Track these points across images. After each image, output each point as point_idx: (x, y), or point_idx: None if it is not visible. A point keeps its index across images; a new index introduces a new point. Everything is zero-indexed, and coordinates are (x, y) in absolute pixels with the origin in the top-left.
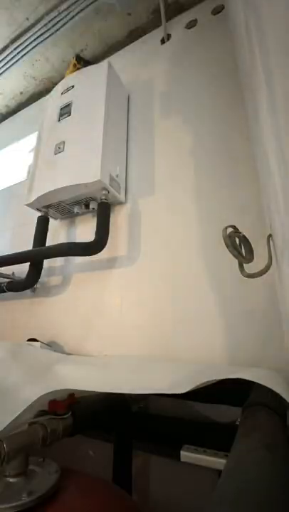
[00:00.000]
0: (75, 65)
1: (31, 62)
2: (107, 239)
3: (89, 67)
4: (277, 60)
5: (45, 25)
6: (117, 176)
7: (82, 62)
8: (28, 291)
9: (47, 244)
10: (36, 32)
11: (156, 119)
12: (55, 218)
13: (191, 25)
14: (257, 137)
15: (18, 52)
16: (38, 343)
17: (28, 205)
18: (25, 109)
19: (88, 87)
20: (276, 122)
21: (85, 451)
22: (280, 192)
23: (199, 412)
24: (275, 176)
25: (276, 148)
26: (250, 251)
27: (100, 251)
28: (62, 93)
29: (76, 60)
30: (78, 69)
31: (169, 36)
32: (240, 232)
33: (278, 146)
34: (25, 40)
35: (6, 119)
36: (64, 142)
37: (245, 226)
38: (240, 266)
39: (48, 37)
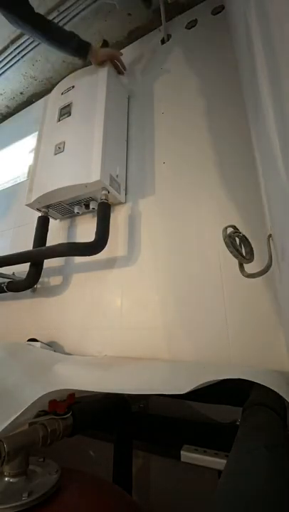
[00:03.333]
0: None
1: (31, 63)
2: (107, 239)
3: (89, 68)
4: (283, 58)
5: None
6: (117, 176)
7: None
8: (28, 292)
9: (47, 245)
10: None
11: (157, 119)
12: (55, 218)
13: (191, 25)
14: (258, 137)
15: (19, 53)
16: (38, 343)
17: (28, 205)
18: (25, 110)
19: (88, 87)
20: (280, 122)
21: (85, 451)
22: (280, 192)
23: (199, 412)
24: (276, 176)
25: (278, 148)
26: (250, 251)
27: (100, 251)
28: (62, 93)
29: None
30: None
31: (169, 36)
32: (240, 232)
33: (281, 145)
34: (26, 41)
35: (7, 119)
36: (64, 142)
37: (246, 226)
38: (241, 266)
39: None
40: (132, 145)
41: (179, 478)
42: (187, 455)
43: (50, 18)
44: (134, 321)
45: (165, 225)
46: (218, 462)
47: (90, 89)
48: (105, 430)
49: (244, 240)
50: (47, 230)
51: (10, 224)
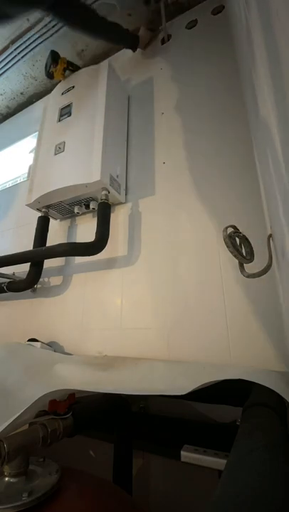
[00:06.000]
0: (64, 69)
1: (32, 63)
2: (107, 239)
3: (89, 68)
4: (283, 57)
5: (45, 25)
6: (117, 176)
7: (73, 66)
8: (28, 292)
9: (47, 245)
10: (37, 32)
11: (157, 119)
12: (56, 218)
13: (192, 25)
14: (259, 137)
15: (19, 53)
16: (38, 343)
17: (28, 205)
18: (25, 110)
19: (88, 87)
20: (281, 122)
21: (86, 451)
22: (281, 192)
23: (199, 412)
24: (276, 176)
25: (278, 148)
26: (250, 251)
27: (100, 251)
28: (62, 93)
29: (67, 64)
30: (66, 72)
31: (169, 36)
32: (240, 232)
33: (281, 145)
34: (26, 41)
35: (7, 119)
36: (64, 142)
37: (246, 226)
38: (241, 266)
39: (48, 37)
40: (132, 145)
41: (179, 478)
42: (187, 455)
43: (50, 18)
44: (134, 321)
45: (165, 225)
46: (218, 462)
47: (90, 89)
48: (105, 430)
49: (244, 240)
50: (47, 230)
51: (10, 224)
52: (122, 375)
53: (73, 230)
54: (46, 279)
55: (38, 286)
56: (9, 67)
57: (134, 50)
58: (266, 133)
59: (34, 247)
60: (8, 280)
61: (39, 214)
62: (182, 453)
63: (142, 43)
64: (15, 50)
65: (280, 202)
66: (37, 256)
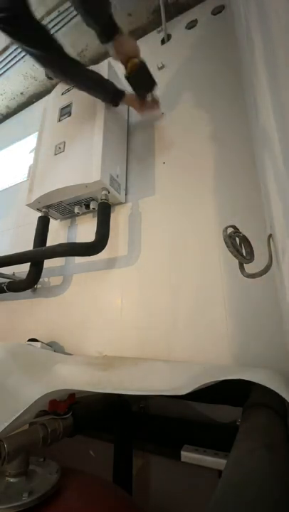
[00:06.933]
0: None
1: (32, 63)
2: (107, 239)
3: (89, 68)
4: (282, 58)
5: (45, 25)
6: (117, 176)
7: None
8: (28, 292)
9: (47, 245)
10: None
11: (157, 120)
12: (56, 218)
13: (192, 25)
14: (258, 137)
15: (19, 53)
16: (39, 343)
17: (28, 205)
18: (25, 110)
19: None
20: (280, 122)
21: (86, 451)
22: (280, 191)
23: (199, 412)
24: (276, 175)
25: (278, 148)
26: (250, 251)
27: (100, 251)
28: (62, 93)
29: None
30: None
31: (169, 36)
32: (240, 232)
33: (281, 145)
34: None
35: (7, 119)
36: (64, 142)
37: (246, 226)
38: (241, 266)
39: None
40: (132, 145)
41: (179, 478)
42: (187, 455)
43: (50, 18)
44: (134, 321)
45: (165, 225)
46: (218, 462)
47: None
48: (105, 430)
49: (244, 240)
50: (47, 230)
51: (10, 224)
52: (122, 375)
53: (73, 230)
54: (46, 279)
55: (38, 286)
56: (9, 67)
57: (115, 105)
58: (265, 132)
59: (34, 247)
60: (8, 280)
61: (39, 214)
62: (182, 453)
63: (127, 102)
64: (15, 50)
65: (279, 202)
66: (37, 256)
